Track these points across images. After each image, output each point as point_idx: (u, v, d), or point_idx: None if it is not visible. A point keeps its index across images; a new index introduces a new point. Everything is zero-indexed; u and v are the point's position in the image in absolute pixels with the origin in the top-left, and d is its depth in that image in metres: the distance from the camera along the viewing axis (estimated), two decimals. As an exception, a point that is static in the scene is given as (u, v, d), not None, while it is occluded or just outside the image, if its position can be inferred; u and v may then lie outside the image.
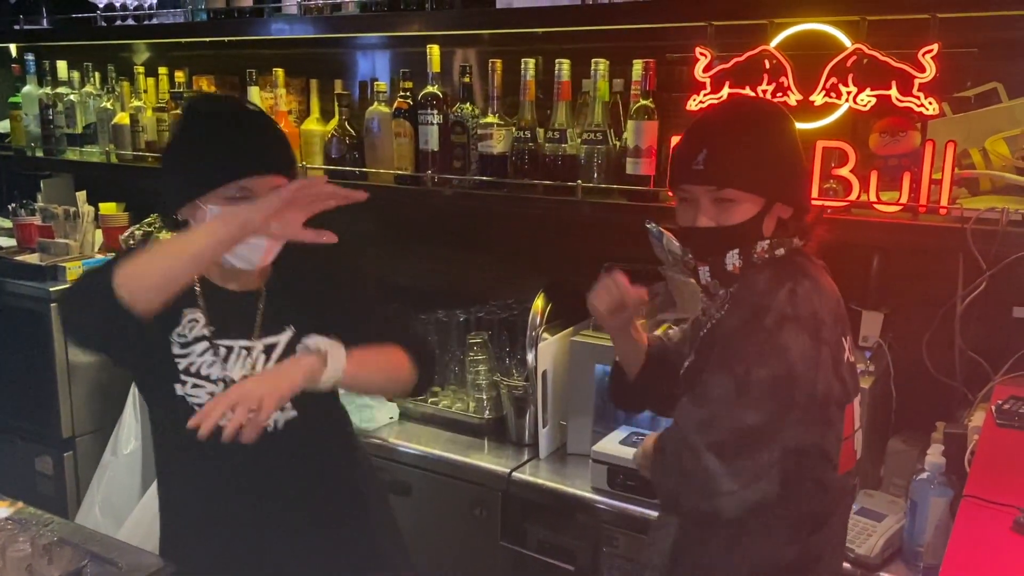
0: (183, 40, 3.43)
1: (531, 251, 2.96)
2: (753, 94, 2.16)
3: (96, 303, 1.47)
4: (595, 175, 2.45)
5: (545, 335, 2.46)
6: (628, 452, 2.22)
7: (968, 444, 1.87)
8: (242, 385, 1.51)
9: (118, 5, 3.45)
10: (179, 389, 1.66)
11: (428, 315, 2.88)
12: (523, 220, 2.86)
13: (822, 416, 1.49)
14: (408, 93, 2.74)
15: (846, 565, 1.89)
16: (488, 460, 2.46)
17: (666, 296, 1.85)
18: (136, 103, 3.39)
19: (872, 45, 2.07)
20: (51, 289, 3.04)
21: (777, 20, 2.20)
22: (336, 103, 2.93)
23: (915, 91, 2.03)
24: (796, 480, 1.47)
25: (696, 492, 1.47)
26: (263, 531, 1.75)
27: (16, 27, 3.75)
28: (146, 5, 3.40)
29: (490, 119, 2.58)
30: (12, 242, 3.51)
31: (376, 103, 2.83)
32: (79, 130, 3.62)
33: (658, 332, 1.92)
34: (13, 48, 4.01)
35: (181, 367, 1.66)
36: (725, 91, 2.22)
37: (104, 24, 3.49)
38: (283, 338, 1.74)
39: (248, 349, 1.71)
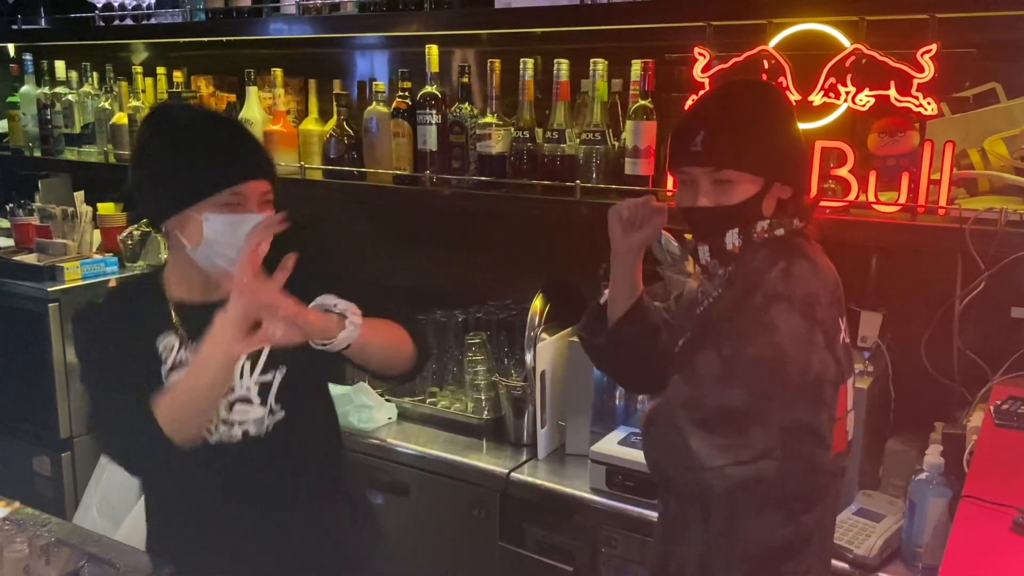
0: (181, 40, 3.43)
1: (530, 251, 2.96)
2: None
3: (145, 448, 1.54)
4: (594, 175, 2.45)
5: (544, 335, 2.46)
6: (627, 452, 2.22)
7: (967, 444, 1.87)
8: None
9: (116, 5, 3.45)
10: None
11: (427, 315, 2.88)
12: (522, 220, 2.86)
13: (816, 396, 1.49)
14: (407, 93, 2.74)
15: (844, 565, 1.89)
16: (486, 460, 2.46)
17: (663, 292, 1.86)
18: (134, 103, 3.38)
19: (871, 45, 2.07)
20: (49, 289, 3.03)
21: (776, 20, 2.20)
22: (334, 103, 2.92)
23: (914, 91, 2.03)
24: (789, 459, 1.47)
25: (682, 467, 1.48)
26: (249, 533, 1.75)
27: (14, 27, 3.75)
28: (144, 5, 3.40)
29: (489, 119, 2.58)
30: (10, 242, 3.50)
31: (374, 103, 2.82)
32: (77, 130, 3.62)
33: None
34: (11, 48, 4.01)
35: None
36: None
37: (102, 24, 3.49)
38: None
39: None
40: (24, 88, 3.75)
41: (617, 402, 2.47)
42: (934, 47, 2.00)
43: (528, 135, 2.53)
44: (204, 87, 3.43)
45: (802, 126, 2.07)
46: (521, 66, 2.52)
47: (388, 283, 3.09)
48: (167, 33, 3.38)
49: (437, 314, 2.86)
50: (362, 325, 1.59)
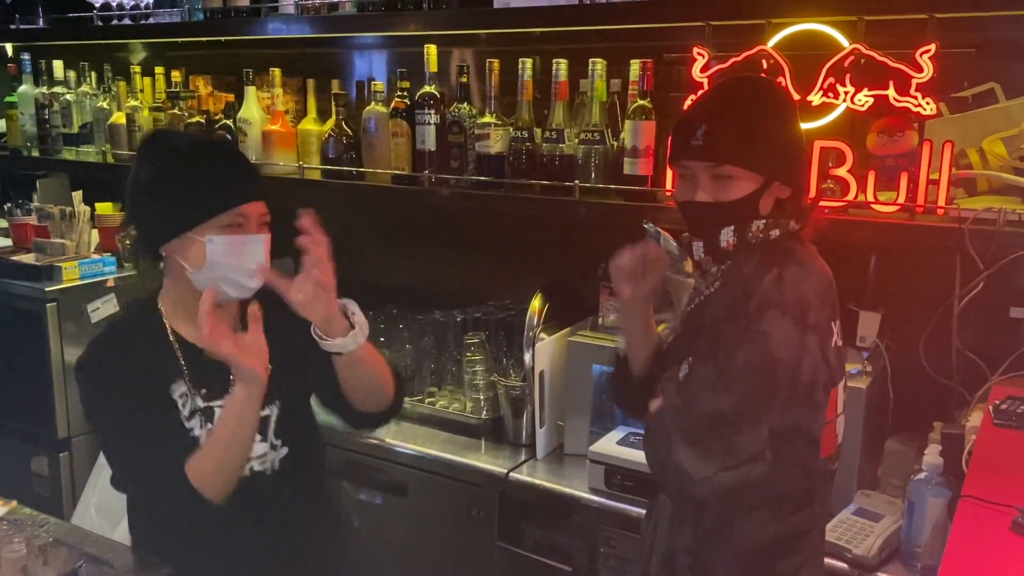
0: (179, 40, 3.43)
1: (528, 251, 2.95)
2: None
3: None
4: (592, 175, 2.45)
5: (542, 335, 2.46)
6: (625, 452, 2.22)
7: (965, 444, 1.87)
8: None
9: (114, 4, 3.45)
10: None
11: (425, 315, 2.88)
12: (520, 220, 2.86)
13: (809, 400, 1.50)
14: (405, 93, 2.73)
15: (843, 565, 1.90)
16: (485, 460, 2.45)
17: (664, 296, 1.85)
18: (132, 103, 3.38)
19: (870, 45, 2.07)
20: (47, 289, 3.02)
21: (775, 20, 2.20)
22: (333, 103, 2.92)
23: (913, 91, 2.03)
24: (779, 463, 1.48)
25: (671, 478, 1.49)
26: (247, 558, 1.75)
27: (12, 26, 3.75)
28: (142, 5, 3.40)
29: (487, 119, 2.58)
30: (8, 242, 3.50)
31: (373, 103, 2.82)
32: (75, 130, 3.62)
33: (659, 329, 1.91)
34: (9, 47, 4.00)
35: (194, 434, 1.67)
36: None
37: (100, 23, 3.48)
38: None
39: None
40: (22, 88, 3.75)
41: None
42: (933, 47, 2.00)
43: (527, 135, 2.53)
44: (202, 87, 3.42)
45: (802, 126, 2.08)
46: (520, 66, 2.52)
47: (387, 283, 3.09)
48: (165, 33, 3.38)
49: (436, 314, 2.86)
50: (365, 344, 1.64)
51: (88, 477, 3.10)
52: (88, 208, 3.36)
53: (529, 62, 2.52)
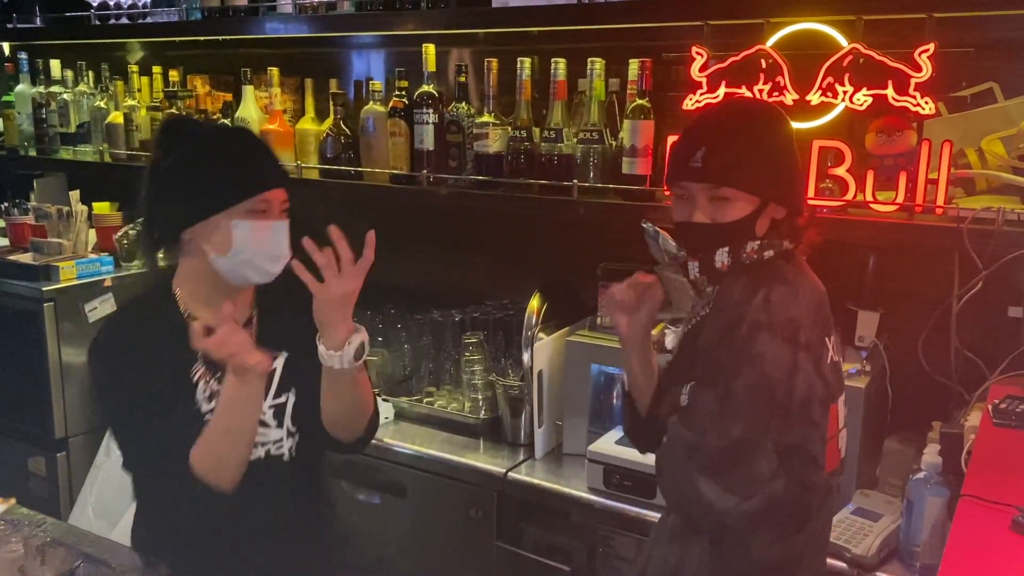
0: (177, 39, 3.42)
1: (527, 251, 2.95)
2: (751, 94, 2.17)
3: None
4: (591, 175, 2.45)
5: (541, 335, 2.46)
6: (624, 452, 2.22)
7: (964, 444, 1.87)
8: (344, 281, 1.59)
9: (112, 4, 3.44)
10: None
11: (423, 315, 2.88)
12: (519, 220, 2.86)
13: (805, 418, 1.50)
14: (403, 92, 2.73)
15: (842, 565, 1.90)
16: (484, 460, 2.45)
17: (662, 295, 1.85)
18: (130, 102, 3.38)
19: (868, 45, 2.07)
20: (44, 289, 3.02)
21: (773, 19, 2.20)
22: (331, 102, 2.92)
23: (911, 91, 2.03)
24: (788, 478, 1.48)
25: (697, 512, 1.51)
26: (251, 543, 1.75)
27: (9, 25, 3.74)
28: (140, 4, 3.39)
29: (486, 118, 2.58)
30: (5, 242, 3.49)
31: (371, 102, 2.82)
32: (72, 129, 3.61)
33: (654, 332, 1.91)
34: (6, 47, 4.00)
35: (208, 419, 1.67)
36: (721, 91, 2.22)
37: (98, 23, 3.48)
38: (277, 364, 1.74)
39: None
40: (19, 87, 3.74)
41: (614, 402, 2.47)
42: (932, 46, 2.00)
43: (525, 134, 2.53)
44: (200, 86, 3.42)
45: (800, 126, 2.10)
46: (518, 65, 2.52)
47: (385, 283, 3.07)
48: (163, 32, 3.37)
49: (434, 314, 2.85)
50: (355, 374, 1.66)
51: (85, 477, 3.10)
52: (85, 208, 3.35)
53: (528, 61, 2.52)
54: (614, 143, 2.45)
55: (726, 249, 1.54)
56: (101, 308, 3.13)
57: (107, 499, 3.05)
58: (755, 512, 1.46)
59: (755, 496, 1.45)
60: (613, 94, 2.52)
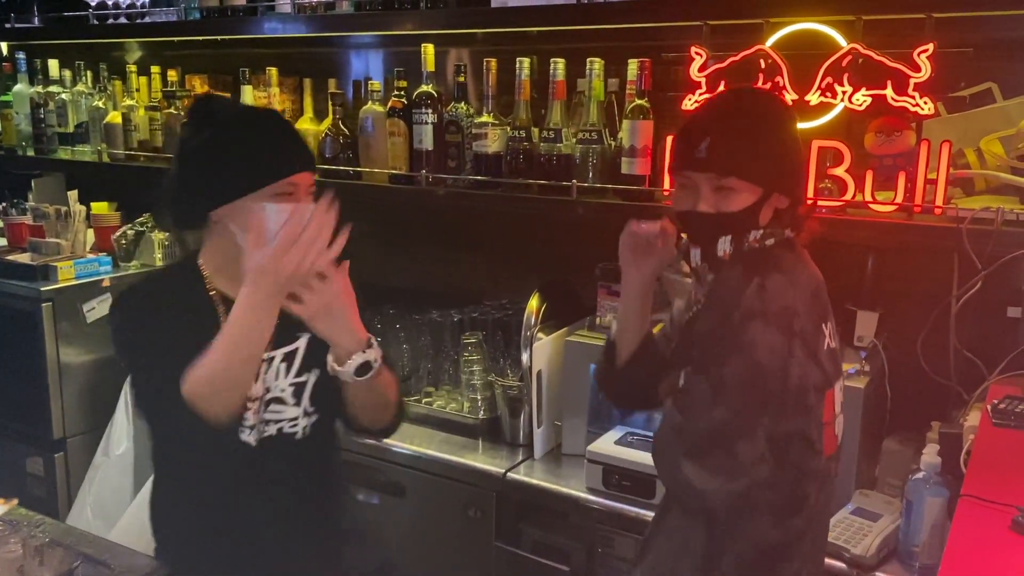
0: (176, 39, 3.42)
1: (526, 251, 2.95)
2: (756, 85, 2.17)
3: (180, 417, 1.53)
4: (590, 175, 2.45)
5: (540, 335, 2.45)
6: (623, 452, 2.22)
7: (963, 444, 1.87)
8: (339, 295, 1.57)
9: (110, 3, 3.44)
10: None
11: (422, 315, 2.87)
12: (518, 220, 2.85)
13: (801, 404, 1.51)
14: (402, 92, 2.73)
15: (841, 565, 1.90)
16: (482, 460, 2.45)
17: (661, 296, 1.85)
18: (128, 102, 3.37)
19: (867, 45, 2.07)
20: (42, 289, 3.01)
21: (772, 19, 2.20)
22: (330, 102, 2.92)
23: (910, 91, 2.03)
24: (780, 467, 1.50)
25: (682, 491, 1.54)
26: (266, 525, 1.76)
27: (7, 25, 3.73)
28: (138, 3, 3.39)
29: (485, 118, 2.58)
30: (3, 242, 3.48)
31: (370, 102, 2.82)
32: (70, 129, 3.60)
33: (654, 331, 1.91)
34: (4, 46, 3.99)
35: None
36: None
37: (96, 22, 3.47)
38: (301, 344, 1.75)
39: (269, 360, 1.71)
40: (17, 87, 3.73)
41: (613, 402, 2.47)
42: (931, 47, 2.00)
43: (524, 134, 2.53)
44: (199, 86, 3.42)
45: (799, 126, 2.08)
46: (517, 65, 2.51)
47: (384, 283, 3.08)
48: (161, 32, 3.37)
49: (433, 314, 2.85)
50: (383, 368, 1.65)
51: (83, 478, 3.10)
52: (84, 208, 3.35)
53: (527, 61, 2.52)
54: (613, 143, 2.45)
55: (729, 238, 1.55)
56: (99, 308, 3.12)
57: (105, 499, 3.06)
58: (739, 495, 1.48)
59: (738, 480, 1.47)
60: (612, 94, 2.52)
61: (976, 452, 1.73)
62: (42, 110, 3.62)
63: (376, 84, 2.85)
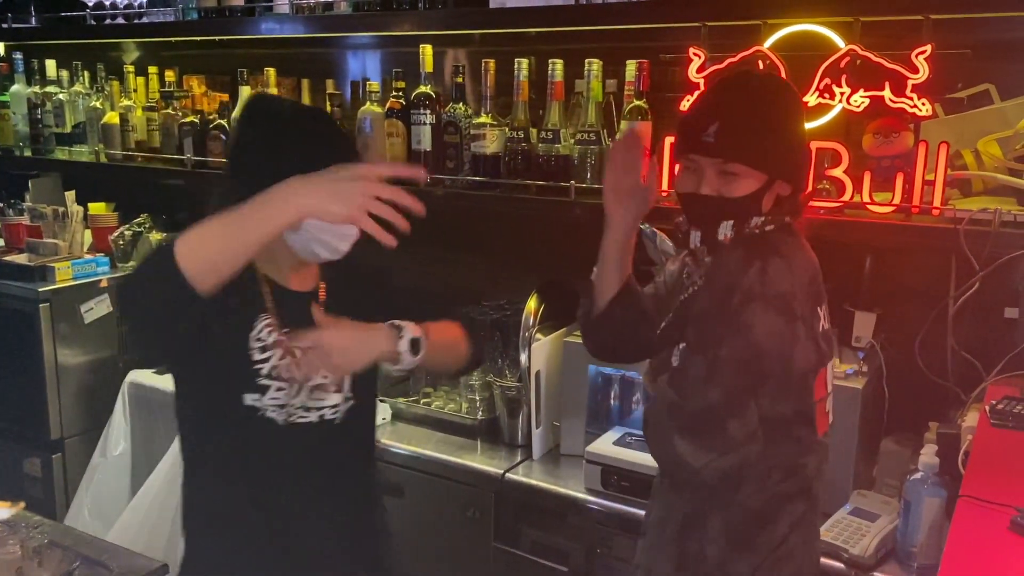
0: (173, 39, 3.41)
1: (524, 252, 2.95)
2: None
3: (160, 285, 1.46)
4: (588, 175, 2.45)
5: (538, 336, 2.46)
6: (622, 453, 2.23)
7: (961, 444, 1.87)
8: (336, 342, 1.58)
9: (108, 4, 3.43)
10: (248, 398, 1.65)
11: (420, 316, 2.87)
12: (516, 220, 2.85)
13: (803, 385, 1.57)
14: (401, 93, 2.73)
15: (840, 565, 1.90)
16: (481, 461, 2.45)
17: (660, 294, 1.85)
18: (126, 102, 3.37)
19: (865, 46, 2.07)
20: (40, 289, 3.01)
21: (770, 21, 2.21)
22: (328, 103, 2.92)
23: (908, 92, 2.04)
24: (778, 444, 1.55)
25: (674, 468, 1.57)
26: (300, 513, 1.75)
27: (4, 25, 3.73)
28: (136, 4, 3.38)
29: (483, 119, 2.58)
30: (0, 242, 3.48)
31: (368, 103, 2.82)
32: (68, 129, 3.60)
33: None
34: (1, 47, 3.99)
35: (264, 371, 1.66)
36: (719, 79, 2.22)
37: (93, 23, 3.47)
38: None
39: None
40: (14, 87, 3.73)
41: (612, 402, 2.47)
42: (928, 48, 2.01)
43: (522, 135, 2.53)
44: (196, 87, 3.41)
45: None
46: (516, 66, 2.52)
47: (382, 283, 3.08)
48: (159, 32, 3.37)
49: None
50: (428, 344, 1.67)
51: (81, 479, 3.10)
52: (81, 208, 3.35)
53: (525, 62, 2.52)
54: (611, 144, 2.45)
55: (731, 223, 1.56)
56: (97, 309, 3.12)
57: (103, 500, 3.06)
58: (727, 469, 1.51)
59: (729, 455, 1.49)
60: (610, 95, 2.52)
61: (975, 453, 1.73)
62: (39, 110, 3.62)
63: (374, 85, 2.85)
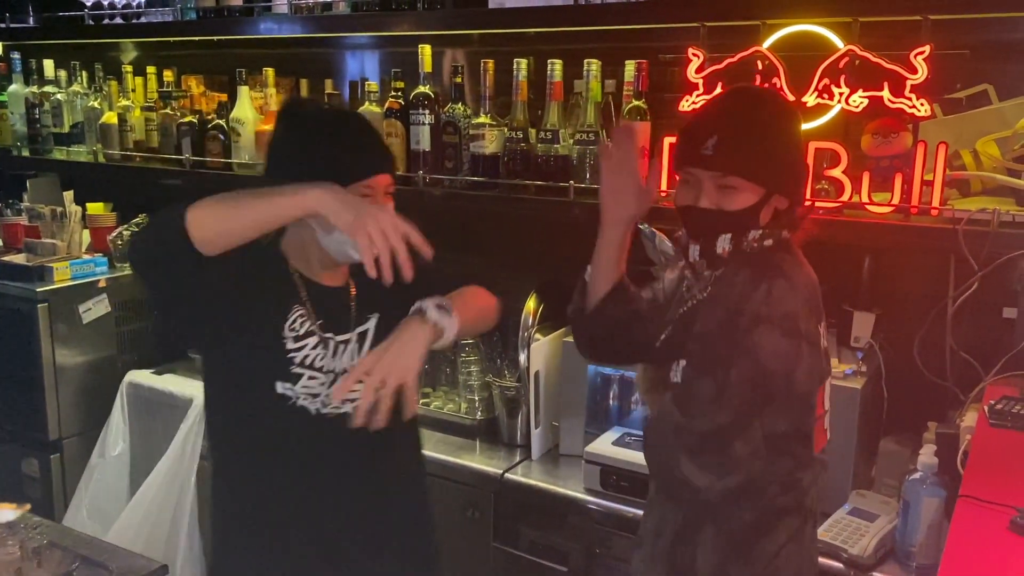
0: (172, 39, 3.41)
1: (523, 252, 2.95)
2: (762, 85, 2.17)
3: (165, 239, 1.50)
4: (587, 175, 2.45)
5: (537, 336, 2.46)
6: (621, 453, 2.23)
7: (960, 444, 1.88)
8: (378, 361, 1.56)
9: (106, 3, 3.43)
10: (280, 387, 1.66)
11: (419, 316, 2.87)
12: (515, 221, 2.85)
13: (806, 404, 1.58)
14: (399, 93, 2.73)
15: (839, 565, 1.91)
16: (480, 461, 2.45)
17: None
18: (124, 102, 3.36)
19: (864, 46, 2.08)
20: (38, 290, 3.01)
21: (769, 21, 2.21)
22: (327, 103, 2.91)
23: (907, 92, 2.04)
24: (778, 461, 1.56)
25: (677, 487, 1.58)
26: (335, 509, 1.75)
27: (2, 25, 3.72)
28: (134, 4, 3.38)
29: (482, 119, 2.58)
30: (-2, 242, 3.48)
31: (367, 103, 2.82)
32: (66, 129, 3.59)
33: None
34: (-1, 46, 3.98)
35: (297, 360, 1.68)
36: (718, 92, 2.23)
37: (92, 22, 3.47)
38: (371, 324, 1.78)
39: (346, 341, 1.75)
40: (12, 87, 3.72)
41: (611, 403, 2.48)
42: (927, 48, 2.01)
43: (521, 135, 2.53)
44: (194, 87, 3.41)
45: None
46: (514, 66, 2.51)
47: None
48: (157, 32, 3.36)
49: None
50: (459, 320, 1.69)
51: (79, 479, 3.09)
52: (79, 208, 3.34)
53: (524, 62, 2.52)
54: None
55: (728, 236, 1.57)
56: (96, 309, 3.12)
57: (101, 500, 3.05)
58: (729, 488, 1.53)
59: (732, 474, 1.52)
60: (609, 95, 2.52)
61: (974, 453, 1.74)
62: (37, 110, 3.61)
63: (373, 85, 2.85)
